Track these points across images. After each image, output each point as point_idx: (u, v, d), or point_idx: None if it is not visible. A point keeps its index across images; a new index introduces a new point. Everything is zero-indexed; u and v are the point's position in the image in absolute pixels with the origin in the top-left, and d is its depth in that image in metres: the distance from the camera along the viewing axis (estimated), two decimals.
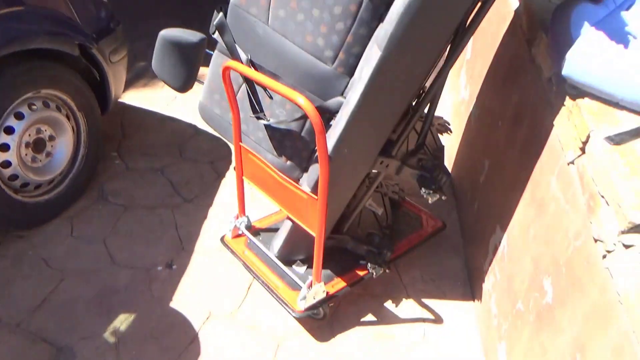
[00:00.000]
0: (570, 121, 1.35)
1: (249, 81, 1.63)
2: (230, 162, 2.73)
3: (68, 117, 2.21)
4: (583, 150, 1.26)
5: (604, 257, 1.10)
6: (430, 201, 1.70)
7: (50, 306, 1.84)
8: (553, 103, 1.48)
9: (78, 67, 2.22)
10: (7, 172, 1.96)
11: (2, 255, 2.03)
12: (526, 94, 1.75)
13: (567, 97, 1.39)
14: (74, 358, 1.67)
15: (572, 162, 1.31)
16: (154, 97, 3.31)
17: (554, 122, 1.45)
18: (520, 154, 1.71)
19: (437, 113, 1.85)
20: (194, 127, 3.00)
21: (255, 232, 2.02)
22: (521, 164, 1.69)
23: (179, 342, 1.75)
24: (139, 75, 3.54)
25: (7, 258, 2.01)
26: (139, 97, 3.30)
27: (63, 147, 2.21)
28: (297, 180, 1.62)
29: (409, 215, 2.25)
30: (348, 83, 1.54)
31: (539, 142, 1.56)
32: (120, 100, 3.21)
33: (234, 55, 1.61)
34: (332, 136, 1.46)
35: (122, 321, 1.81)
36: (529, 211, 1.57)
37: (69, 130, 2.21)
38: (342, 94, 1.54)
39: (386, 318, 1.91)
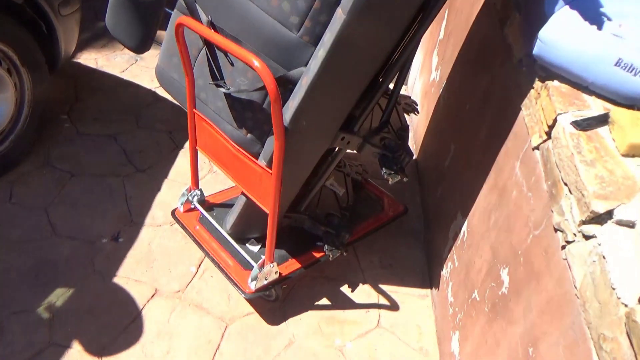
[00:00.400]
0: (538, 104, 1.29)
1: (209, 45, 1.51)
2: None
3: (10, 72, 2.03)
4: (549, 134, 1.20)
5: (563, 247, 1.04)
6: (390, 182, 1.62)
7: None
8: (522, 85, 1.41)
9: (22, 18, 2.03)
10: None
11: None
12: (496, 75, 1.68)
13: (537, 79, 1.33)
14: (2, 333, 1.55)
15: (537, 147, 1.26)
16: (112, 60, 3.12)
17: (522, 105, 1.39)
18: (487, 138, 1.65)
19: (409, 96, 1.78)
20: (153, 94, 2.84)
21: (209, 207, 1.92)
22: (487, 148, 1.63)
23: (120, 321, 1.65)
24: (98, 36, 3.34)
25: None
26: (96, 59, 3.11)
27: (3, 104, 2.03)
28: (256, 156, 1.52)
29: (370, 197, 2.18)
30: (313, 53, 1.45)
31: (505, 126, 1.50)
32: (76, 60, 3.03)
33: (194, 15, 1.49)
34: (290, 107, 1.37)
35: (59, 296, 1.69)
36: (491, 197, 1.52)
37: (10, 86, 2.03)
38: (305, 65, 1.45)
39: (341, 302, 1.85)
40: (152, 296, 1.74)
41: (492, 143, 1.59)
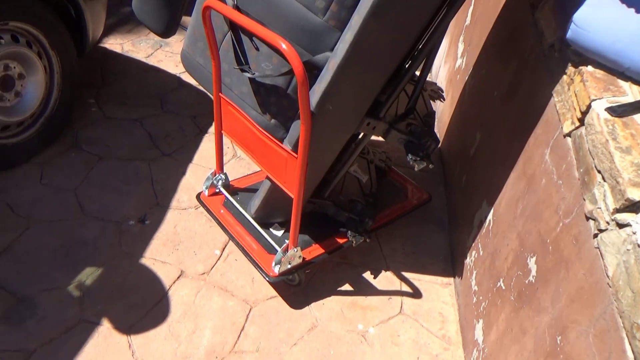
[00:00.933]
0: (571, 90, 1.26)
1: (234, 29, 1.51)
2: (213, 117, 2.61)
3: (40, 56, 2.07)
4: (581, 121, 1.18)
5: (595, 236, 1.03)
6: (416, 168, 1.61)
7: (13, 254, 1.75)
8: (554, 71, 1.38)
9: (51, 1, 2.06)
10: None
11: None
12: (525, 62, 1.65)
13: (569, 65, 1.30)
14: (34, 309, 1.59)
15: (569, 134, 1.23)
16: (138, 45, 3.15)
17: (553, 92, 1.36)
18: (514, 126, 1.62)
19: (435, 83, 1.76)
20: (177, 79, 2.87)
21: (234, 191, 1.94)
22: (514, 136, 1.61)
23: (147, 300, 1.68)
24: (123, 21, 3.37)
25: None
26: (122, 44, 3.14)
27: (34, 87, 2.07)
28: (280, 141, 1.52)
29: (394, 185, 2.17)
30: (339, 38, 1.44)
31: (534, 113, 1.47)
32: (101, 45, 3.06)
33: None
34: (317, 91, 1.37)
35: (88, 275, 1.73)
36: (518, 186, 1.50)
37: (40, 70, 2.07)
38: (331, 50, 1.44)
39: (363, 288, 1.85)
40: (178, 277, 1.77)
41: (520, 131, 1.56)
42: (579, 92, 1.21)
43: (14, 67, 1.98)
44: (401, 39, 1.41)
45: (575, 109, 1.21)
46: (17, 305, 1.60)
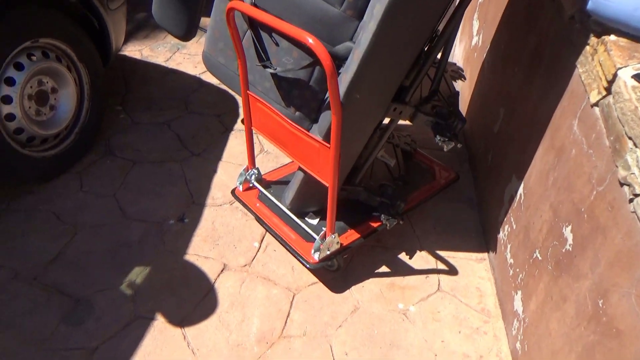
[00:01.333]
0: (595, 60, 1.29)
1: (254, 27, 1.56)
2: (237, 115, 2.68)
3: (69, 69, 2.15)
4: (608, 90, 1.21)
5: (631, 200, 1.06)
6: (445, 149, 1.65)
7: (65, 260, 1.84)
8: (575, 42, 1.40)
9: (75, 15, 2.14)
10: (12, 125, 1.92)
11: (15, 210, 2.02)
12: (545, 35, 1.67)
13: (592, 35, 1.32)
14: (92, 309, 1.69)
15: (596, 104, 1.26)
16: (156, 49, 3.23)
17: (577, 63, 1.39)
18: (539, 100, 1.65)
19: (454, 63, 1.78)
20: (198, 80, 2.93)
21: (266, 184, 2.00)
22: (539, 109, 1.63)
23: (195, 294, 1.77)
24: (139, 27, 3.44)
25: (19, 212, 2.01)
26: (140, 50, 3.22)
27: (66, 99, 2.16)
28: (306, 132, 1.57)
29: (421, 166, 2.21)
30: (357, 27, 1.48)
31: (559, 86, 1.50)
32: (121, 53, 3.14)
33: None
34: (343, 81, 1.41)
35: (138, 274, 1.82)
36: (547, 158, 1.53)
37: (71, 82, 2.15)
38: (351, 39, 1.48)
39: (400, 269, 1.91)
40: (222, 271, 1.85)
41: (545, 104, 1.59)
42: (604, 61, 1.24)
43: (47, 82, 2.06)
44: (423, 24, 1.44)
45: (601, 78, 1.24)
46: (75, 306, 1.69)
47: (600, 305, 1.14)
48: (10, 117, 1.91)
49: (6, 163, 1.91)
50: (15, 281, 1.75)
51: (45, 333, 1.60)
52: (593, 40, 1.32)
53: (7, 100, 1.88)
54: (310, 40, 1.28)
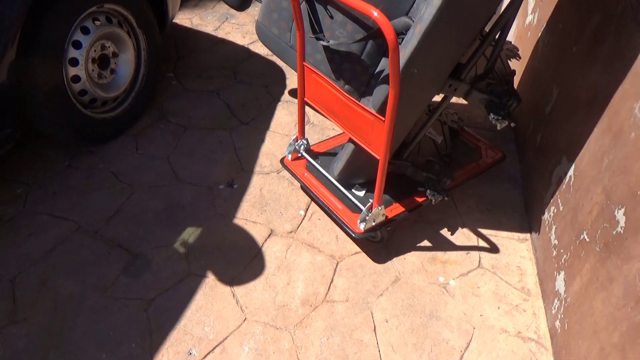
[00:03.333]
0: None
1: (309, 0, 1.58)
2: (284, 86, 2.72)
3: (129, 34, 2.23)
4: None
5: None
6: (498, 127, 1.66)
7: (123, 216, 1.95)
8: None
9: None
10: (77, 87, 2.02)
11: (76, 168, 2.14)
12: (610, 15, 1.63)
13: None
14: (149, 264, 1.80)
15: None
16: (205, 18, 3.28)
17: None
18: (598, 81, 1.63)
19: (510, 41, 1.76)
20: (246, 50, 2.98)
21: (314, 155, 2.05)
22: (598, 91, 1.61)
23: (244, 256, 1.85)
24: None
25: (81, 170, 2.13)
26: (190, 19, 3.28)
27: (125, 64, 2.25)
28: None
29: (467, 145, 2.22)
30: (414, 3, 1.48)
31: (621, 66, 1.47)
32: (173, 21, 3.21)
33: None
34: (402, 55, 1.43)
35: (190, 234, 1.91)
36: (603, 140, 1.52)
37: (130, 48, 2.23)
38: (407, 14, 1.49)
39: (441, 244, 1.95)
40: (269, 236, 1.93)
41: (604, 85, 1.57)
42: None
43: (109, 47, 2.15)
44: (485, 3, 1.44)
45: None
46: (133, 260, 1.80)
47: None
48: (76, 79, 2.01)
49: (71, 123, 2.02)
50: (79, 234, 1.87)
51: (107, 282, 1.72)
52: None
53: (74, 62, 1.98)
54: (375, 13, 1.29)
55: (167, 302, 1.68)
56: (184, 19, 3.28)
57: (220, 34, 3.15)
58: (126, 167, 2.16)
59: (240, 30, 3.19)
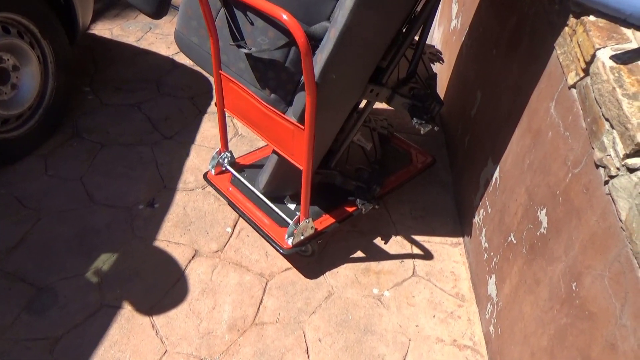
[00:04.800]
0: (573, 41, 1.26)
1: (227, 5, 1.50)
2: (211, 97, 2.61)
3: (32, 46, 2.04)
4: (586, 72, 1.19)
5: (606, 182, 1.05)
6: (422, 132, 1.62)
7: (28, 246, 1.76)
8: (555, 23, 1.38)
9: None
10: None
11: None
12: (524, 17, 1.64)
13: (571, 16, 1.30)
14: (56, 297, 1.62)
15: (574, 86, 1.24)
16: (127, 29, 3.11)
17: (555, 44, 1.37)
18: (517, 83, 1.63)
19: (433, 45, 1.75)
20: (171, 61, 2.84)
21: (240, 168, 1.95)
22: (517, 92, 1.61)
23: (165, 281, 1.71)
24: (109, 6, 3.31)
25: None
26: (110, 29, 3.10)
27: (29, 78, 2.05)
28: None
29: (398, 151, 2.18)
30: (334, 7, 1.43)
31: (537, 68, 1.48)
32: (90, 32, 3.02)
33: None
34: (319, 61, 1.36)
35: (105, 261, 1.75)
36: (524, 141, 1.51)
37: (34, 60, 2.05)
38: (327, 19, 1.43)
39: (375, 254, 1.89)
40: (193, 257, 1.80)
41: (523, 87, 1.57)
42: (582, 42, 1.21)
43: (8, 59, 1.96)
44: (400, 3, 1.40)
45: (579, 59, 1.22)
46: (38, 294, 1.62)
47: (574, 288, 1.13)
48: None
49: None
50: None
51: (6, 322, 1.53)
52: (572, 20, 1.29)
53: None
54: (285, 16, 1.23)
55: (76, 339, 1.52)
56: (104, 29, 3.10)
57: (143, 44, 2.99)
58: (33, 191, 1.97)
59: (164, 40, 3.04)
